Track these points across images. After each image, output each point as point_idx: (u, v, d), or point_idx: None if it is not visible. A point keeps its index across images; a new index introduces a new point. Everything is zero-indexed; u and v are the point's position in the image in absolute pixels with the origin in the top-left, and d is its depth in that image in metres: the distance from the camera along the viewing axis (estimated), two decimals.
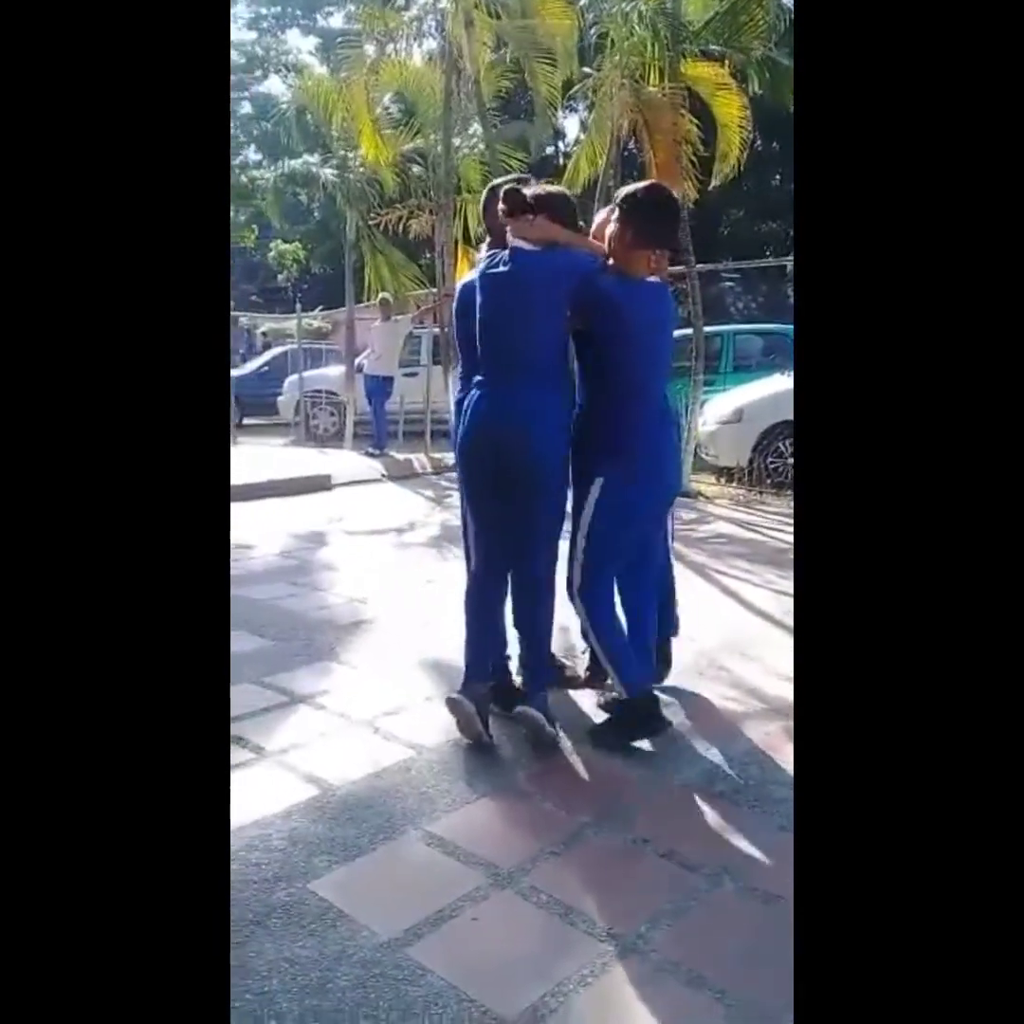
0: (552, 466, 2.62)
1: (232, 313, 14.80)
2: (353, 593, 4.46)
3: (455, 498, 7.18)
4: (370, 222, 11.11)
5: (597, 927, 1.84)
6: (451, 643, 3.62)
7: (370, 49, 9.15)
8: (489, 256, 2.72)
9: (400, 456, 9.43)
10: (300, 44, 28.59)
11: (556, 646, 3.01)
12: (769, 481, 7.27)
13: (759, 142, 13.01)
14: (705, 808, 2.34)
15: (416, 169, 10.74)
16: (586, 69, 8.69)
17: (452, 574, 4.72)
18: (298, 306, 13.47)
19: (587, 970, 1.71)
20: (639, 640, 2.79)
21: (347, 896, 1.96)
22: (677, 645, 3.43)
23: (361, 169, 11.03)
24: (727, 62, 7.69)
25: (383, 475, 8.44)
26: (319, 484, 7.63)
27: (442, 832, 2.21)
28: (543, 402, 2.59)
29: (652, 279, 2.74)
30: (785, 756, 2.59)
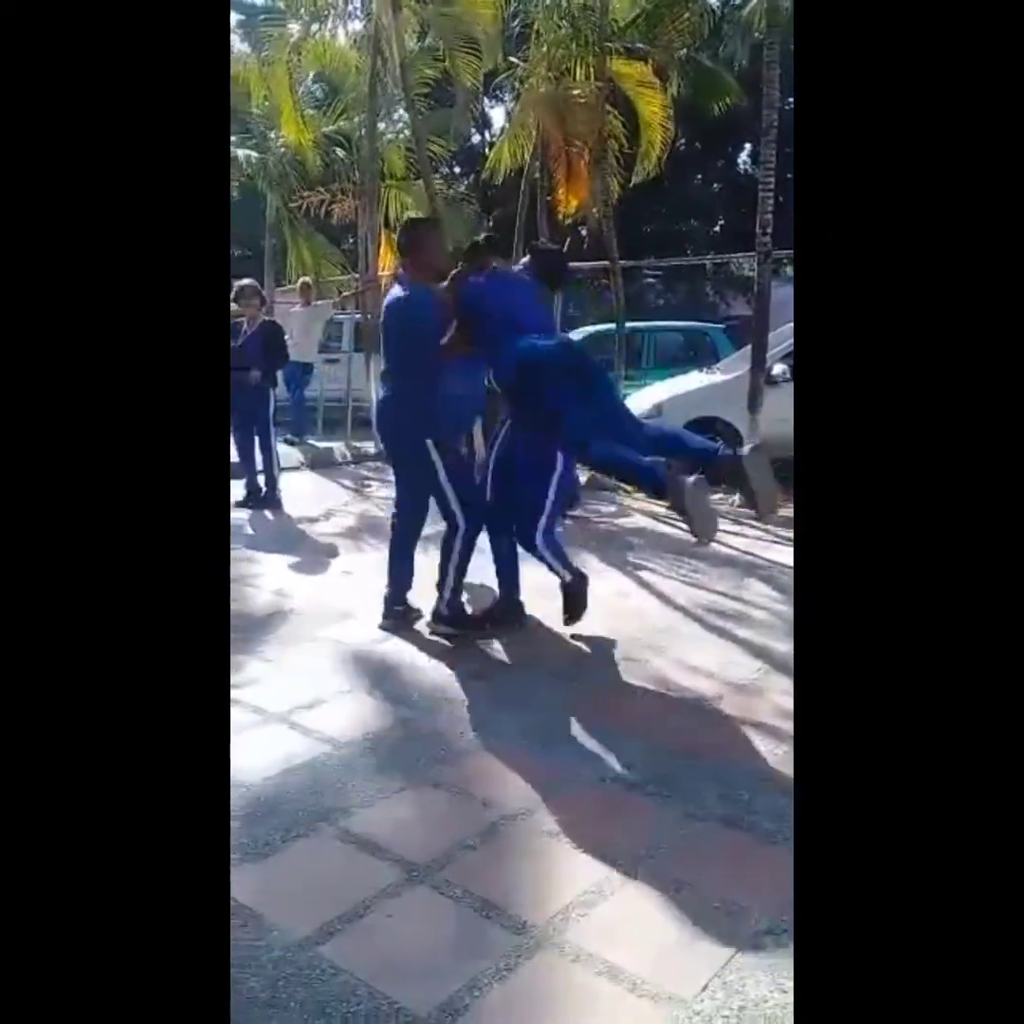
0: None
1: None
2: (268, 584, 4.38)
3: (375, 488, 7.13)
4: (291, 205, 10.89)
5: (512, 920, 1.85)
6: (369, 635, 3.59)
7: (294, 28, 8.94)
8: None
9: (320, 444, 9.27)
10: None
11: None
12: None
13: (682, 142, 13.20)
14: (619, 799, 2.37)
15: (340, 152, 10.56)
16: (512, 59, 8.67)
17: (370, 565, 4.67)
18: None
19: (502, 964, 1.72)
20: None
21: (258, 895, 1.92)
22: (592, 637, 3.50)
23: (282, 150, 10.79)
24: (650, 61, 7.77)
25: (301, 464, 8.29)
26: (235, 472, 7.44)
27: (357, 828, 2.19)
28: None
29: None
30: (697, 747, 2.65)
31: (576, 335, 10.49)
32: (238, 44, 14.08)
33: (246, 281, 6.45)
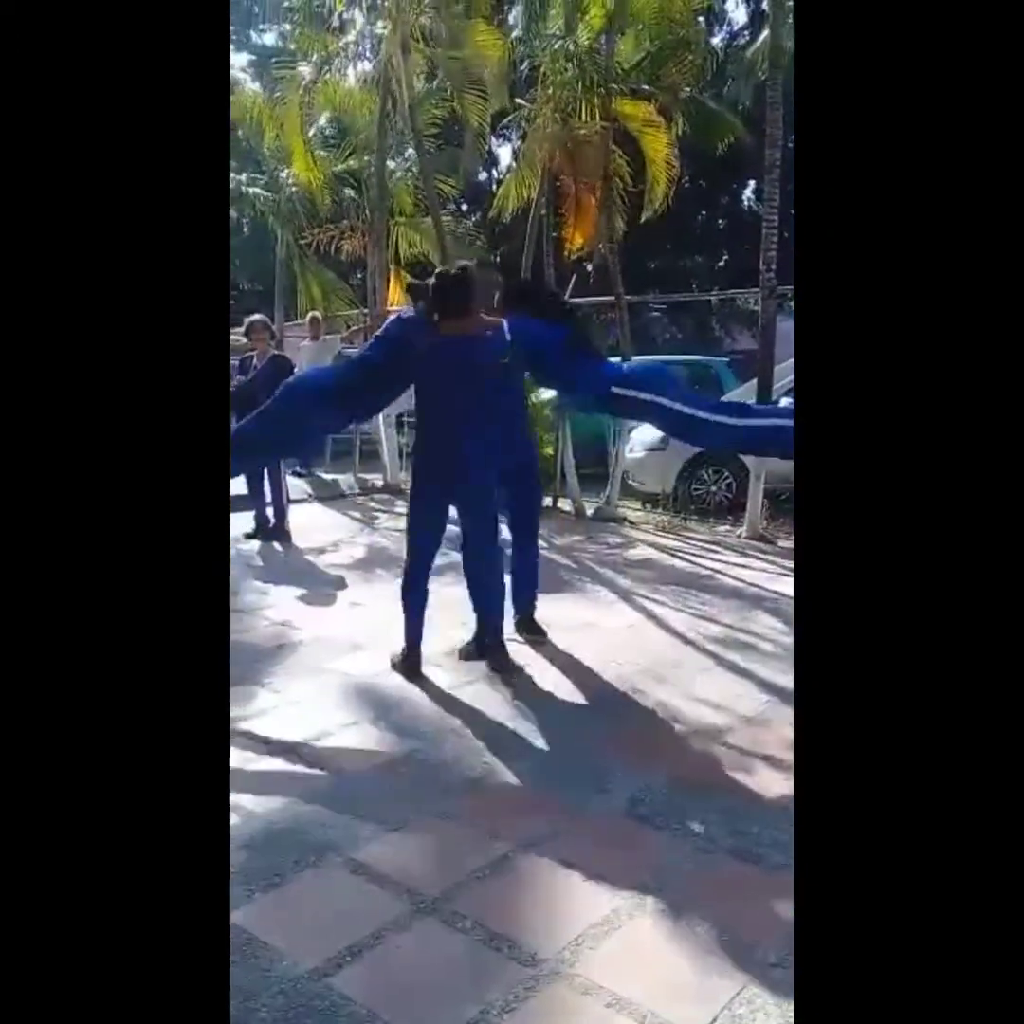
0: None
1: None
2: (277, 616, 4.40)
3: (383, 520, 7.16)
4: (301, 241, 11.06)
5: (521, 952, 1.85)
6: (376, 667, 3.60)
7: (305, 70, 9.13)
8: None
9: (327, 476, 9.33)
10: (232, 60, 28.21)
11: None
12: (693, 508, 7.43)
13: (687, 179, 13.38)
14: (628, 831, 2.37)
15: (349, 191, 10.74)
16: (520, 101, 8.84)
17: (378, 596, 4.69)
18: None
19: (512, 995, 1.72)
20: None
21: (268, 925, 1.92)
22: (599, 669, 3.51)
23: (293, 188, 10.98)
24: (655, 101, 7.91)
25: (309, 495, 8.33)
26: (241, 504, 7.48)
27: (366, 859, 2.19)
28: None
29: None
30: (704, 779, 2.64)
31: None
32: (249, 84, 14.38)
33: (256, 316, 6.53)
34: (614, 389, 3.60)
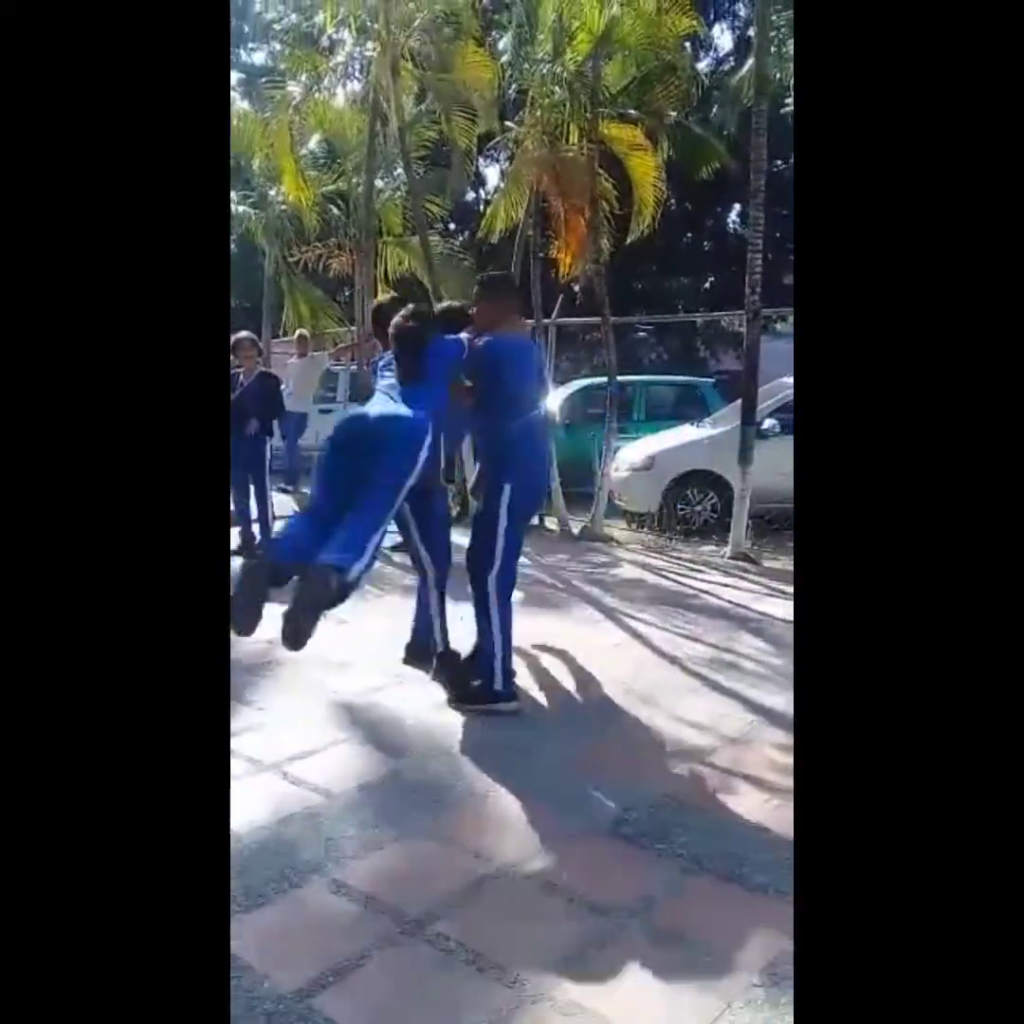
0: None
1: None
2: (260, 633, 4.37)
3: None
4: (289, 259, 11.09)
5: (505, 973, 1.84)
6: (363, 684, 3.59)
7: (295, 90, 9.18)
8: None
9: None
10: None
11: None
12: (679, 527, 7.46)
13: (672, 202, 13.53)
14: (612, 851, 2.36)
15: (335, 210, 10.80)
16: (508, 123, 8.92)
17: (364, 614, 4.68)
18: None
19: (494, 1017, 1.71)
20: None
21: (250, 946, 1.91)
22: (585, 688, 3.51)
23: (282, 206, 11.02)
24: (641, 125, 8.01)
25: (295, 512, 8.32)
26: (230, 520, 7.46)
27: (349, 879, 2.18)
28: None
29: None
30: (688, 799, 2.65)
31: (569, 389, 10.65)
32: (238, 102, 14.43)
33: (243, 334, 6.55)
34: None
